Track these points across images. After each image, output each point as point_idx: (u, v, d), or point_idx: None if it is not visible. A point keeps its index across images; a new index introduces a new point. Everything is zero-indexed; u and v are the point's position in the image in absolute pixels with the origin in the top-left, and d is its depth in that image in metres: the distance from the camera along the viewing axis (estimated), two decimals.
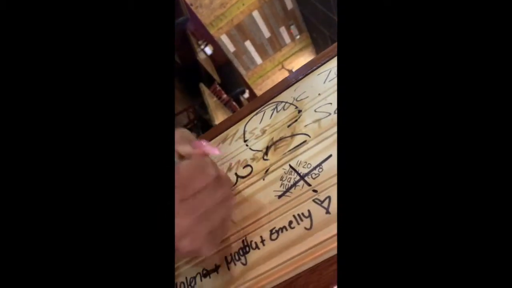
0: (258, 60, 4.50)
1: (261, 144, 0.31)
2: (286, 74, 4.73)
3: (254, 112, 0.34)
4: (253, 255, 0.25)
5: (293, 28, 4.27)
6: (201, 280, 0.26)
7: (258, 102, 0.35)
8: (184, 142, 0.24)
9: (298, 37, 4.41)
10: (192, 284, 0.26)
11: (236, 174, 0.30)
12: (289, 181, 0.27)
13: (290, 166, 0.27)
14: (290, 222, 0.24)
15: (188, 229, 0.21)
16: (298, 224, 0.24)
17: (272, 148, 0.30)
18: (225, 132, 0.35)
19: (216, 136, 0.35)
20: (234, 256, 0.25)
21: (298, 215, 0.24)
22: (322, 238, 0.23)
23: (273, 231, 0.25)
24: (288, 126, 0.30)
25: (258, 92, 4.77)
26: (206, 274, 0.26)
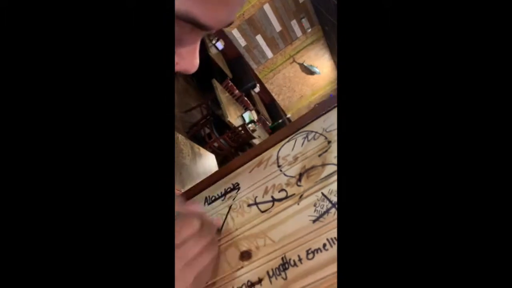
0: (269, 54, 4.48)
1: (294, 171, 0.35)
2: (297, 68, 4.69)
3: (286, 139, 0.38)
4: (292, 272, 0.29)
5: (304, 21, 4.21)
6: None
7: (290, 130, 0.38)
8: (177, 204, 0.30)
9: (309, 30, 4.35)
10: None
11: (272, 197, 0.35)
12: (322, 208, 0.31)
13: (323, 194, 0.31)
14: (324, 245, 0.29)
15: (177, 276, 0.25)
16: (331, 246, 0.28)
17: (305, 175, 0.34)
18: (259, 157, 0.39)
19: (251, 159, 0.39)
20: (275, 271, 0.30)
21: (332, 238, 0.29)
22: None
23: (309, 251, 0.29)
24: (319, 155, 0.34)
25: (269, 86, 4.77)
26: (250, 285, 0.31)
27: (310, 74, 4.77)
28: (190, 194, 0.42)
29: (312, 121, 0.37)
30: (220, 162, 2.31)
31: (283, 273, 0.29)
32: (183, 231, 0.26)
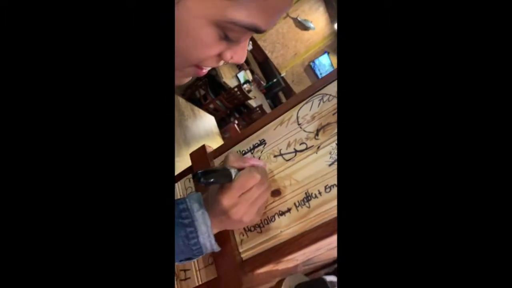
0: None
1: (312, 127, 0.43)
2: (291, 23, 4.50)
3: (304, 101, 0.45)
4: (314, 202, 0.39)
5: None
6: (279, 217, 0.41)
7: (307, 93, 0.45)
8: (237, 159, 0.39)
9: None
10: (273, 220, 0.41)
11: (294, 148, 0.43)
12: (336, 155, 0.40)
13: (336, 144, 0.40)
14: None
15: (246, 210, 0.37)
16: None
17: (321, 130, 0.42)
18: (281, 117, 0.47)
19: (274, 119, 0.47)
20: (300, 202, 0.40)
21: None
22: None
23: (327, 186, 0.39)
24: (333, 114, 0.42)
25: (262, 43, 4.61)
26: (281, 213, 0.41)
27: (304, 29, 4.59)
28: (222, 150, 0.51)
29: (326, 85, 0.44)
30: (218, 123, 2.37)
31: (307, 203, 0.39)
32: (249, 183, 0.36)
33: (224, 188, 0.36)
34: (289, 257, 0.40)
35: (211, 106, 2.91)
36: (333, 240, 0.41)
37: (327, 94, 0.44)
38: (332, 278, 0.91)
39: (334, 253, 0.83)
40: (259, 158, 0.46)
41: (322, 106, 0.43)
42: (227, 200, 0.35)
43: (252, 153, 0.47)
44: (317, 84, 0.45)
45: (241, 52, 0.29)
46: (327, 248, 0.47)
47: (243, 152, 0.48)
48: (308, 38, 4.80)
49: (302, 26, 4.52)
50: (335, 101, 0.43)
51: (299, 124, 0.44)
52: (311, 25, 4.52)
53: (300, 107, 0.45)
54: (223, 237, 0.42)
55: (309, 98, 0.45)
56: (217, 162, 0.50)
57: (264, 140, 0.46)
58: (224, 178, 0.36)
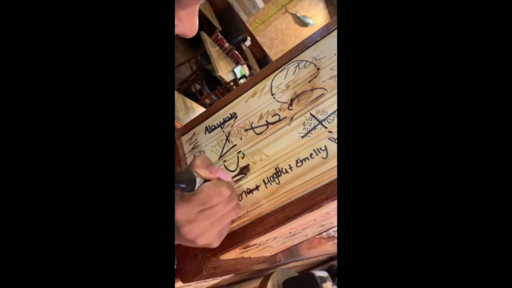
0: (260, 3, 4.19)
1: (286, 97, 0.38)
2: (290, 19, 4.45)
3: (279, 70, 0.41)
4: (284, 177, 0.35)
5: None
6: (246, 196, 0.36)
7: (282, 60, 0.41)
8: (204, 166, 0.31)
9: None
10: (239, 199, 0.37)
11: (266, 121, 0.39)
12: (310, 125, 0.35)
13: (311, 114, 0.36)
14: (311, 154, 0.34)
15: (203, 231, 0.29)
16: (317, 155, 0.33)
17: (296, 100, 0.38)
18: (254, 88, 0.42)
19: (246, 91, 0.43)
20: (270, 178, 0.35)
21: (317, 149, 0.34)
22: (334, 165, 0.32)
23: (298, 160, 0.34)
24: (309, 81, 0.37)
25: (261, 39, 4.56)
26: (249, 192, 0.36)
27: (303, 26, 4.54)
28: (190, 126, 0.46)
29: (303, 51, 0.40)
30: None
31: (276, 179, 0.35)
32: (215, 199, 0.29)
33: (182, 199, 0.29)
34: (256, 240, 0.36)
35: (207, 101, 2.86)
36: (305, 222, 0.36)
37: (303, 61, 0.39)
38: (322, 273, 0.87)
39: (317, 246, 0.78)
40: (230, 132, 0.41)
41: (298, 74, 0.39)
42: (181, 214, 0.28)
43: (222, 128, 0.42)
44: (293, 51, 0.41)
45: (186, 19, 0.22)
46: (301, 234, 0.42)
47: (213, 126, 0.43)
48: (307, 34, 4.74)
49: (301, 22, 4.47)
50: (311, 67, 0.38)
51: (272, 95, 0.40)
52: (310, 21, 4.47)
53: (275, 76, 0.41)
54: None
55: (284, 66, 0.41)
56: (184, 139, 0.46)
57: (235, 114, 0.42)
58: (186, 183, 0.29)
